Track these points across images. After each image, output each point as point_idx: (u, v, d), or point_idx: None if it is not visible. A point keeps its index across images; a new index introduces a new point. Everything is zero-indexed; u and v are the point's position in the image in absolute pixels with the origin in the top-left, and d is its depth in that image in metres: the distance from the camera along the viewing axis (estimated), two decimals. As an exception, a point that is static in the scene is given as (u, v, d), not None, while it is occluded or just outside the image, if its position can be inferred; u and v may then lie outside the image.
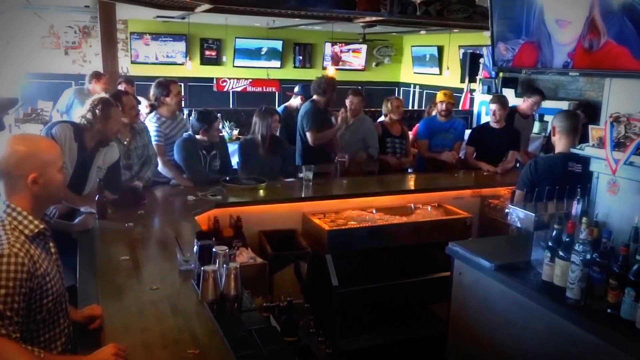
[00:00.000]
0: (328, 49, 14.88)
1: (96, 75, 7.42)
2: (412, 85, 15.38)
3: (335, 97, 6.07)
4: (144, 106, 6.98)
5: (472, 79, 10.97)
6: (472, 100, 11.01)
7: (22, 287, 1.91)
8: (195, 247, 2.88)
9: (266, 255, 4.11)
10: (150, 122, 5.18)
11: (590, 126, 3.10)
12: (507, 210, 3.37)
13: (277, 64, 14.66)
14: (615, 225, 2.87)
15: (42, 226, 2.07)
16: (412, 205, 5.07)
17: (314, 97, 6.00)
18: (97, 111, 3.92)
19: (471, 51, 11.36)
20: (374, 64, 15.85)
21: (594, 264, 2.58)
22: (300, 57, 15.09)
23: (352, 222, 4.60)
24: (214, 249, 2.64)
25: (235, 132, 8.00)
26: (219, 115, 7.65)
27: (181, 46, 13.55)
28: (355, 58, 15.36)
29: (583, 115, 6.27)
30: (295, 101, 6.87)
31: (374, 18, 6.66)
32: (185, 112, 7.46)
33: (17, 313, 1.91)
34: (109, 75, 7.67)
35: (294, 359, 2.34)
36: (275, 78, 14.56)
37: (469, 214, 4.94)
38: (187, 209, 4.26)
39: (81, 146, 3.94)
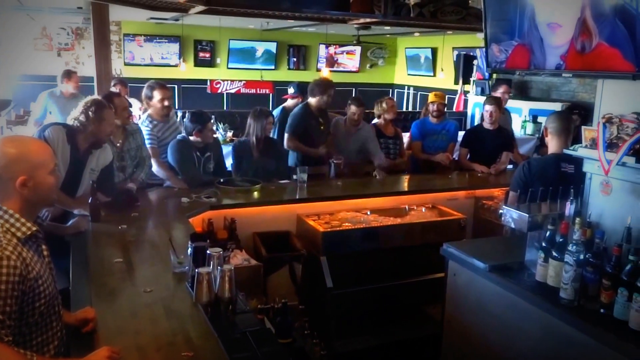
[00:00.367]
0: (322, 50, 14.89)
1: (67, 75, 7.38)
2: (406, 87, 15.41)
3: (332, 99, 5.94)
4: (137, 108, 6.97)
5: (466, 81, 10.99)
6: (466, 101, 11.02)
7: (15, 290, 1.90)
8: (189, 249, 2.88)
9: (261, 257, 4.11)
10: (143, 125, 5.17)
11: (583, 127, 3.11)
12: (501, 211, 3.37)
13: (271, 65, 14.67)
14: (608, 226, 2.88)
15: (34, 228, 2.06)
16: (407, 207, 5.08)
17: (309, 99, 5.96)
18: (90, 113, 3.91)
19: (465, 53, 11.38)
20: (368, 65, 15.87)
21: (587, 265, 2.60)
22: (295, 59, 15.09)
23: (346, 224, 4.60)
24: (208, 251, 2.64)
25: (230, 134, 7.98)
26: (212, 116, 7.68)
27: (175, 48, 13.54)
28: (350, 60, 15.37)
29: (577, 117, 6.32)
30: (292, 102, 6.85)
31: (368, 20, 6.67)
32: (179, 113, 7.43)
33: (10, 316, 1.90)
34: (104, 76, 7.62)
35: (289, 360, 2.34)
36: (269, 80, 14.56)
37: (463, 215, 4.95)
38: (181, 211, 4.25)
39: (74, 148, 3.93)
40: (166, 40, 13.43)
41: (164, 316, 2.51)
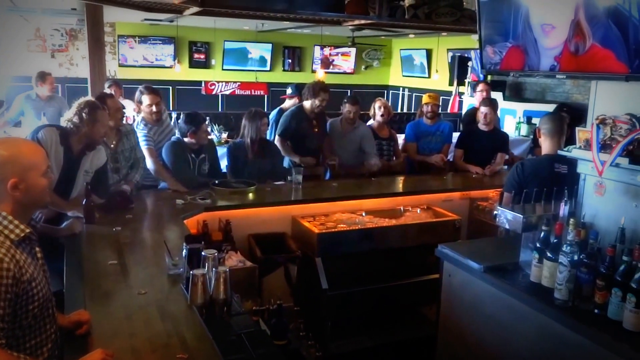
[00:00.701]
0: (317, 52, 14.89)
1: (41, 77, 7.30)
2: (401, 89, 15.43)
3: (327, 103, 5.89)
4: (130, 109, 6.96)
5: (461, 82, 11.02)
6: (460, 103, 11.05)
7: (8, 292, 1.89)
8: (184, 251, 2.88)
9: (256, 258, 4.10)
10: (138, 129, 5.17)
11: (577, 128, 3.13)
12: (495, 212, 3.38)
13: (266, 67, 14.66)
14: (602, 226, 2.89)
15: (27, 230, 2.05)
16: (402, 208, 5.08)
17: (303, 102, 5.94)
18: (83, 115, 3.89)
19: (459, 54, 11.41)
20: (363, 67, 15.88)
21: (582, 265, 2.61)
22: (290, 61, 15.09)
23: (341, 225, 4.60)
24: (203, 253, 2.64)
25: (224, 135, 7.98)
26: (207, 118, 7.68)
27: (169, 49, 13.52)
28: (345, 61, 15.39)
29: (566, 115, 6.34)
30: (289, 103, 6.83)
31: (362, 21, 6.67)
32: (174, 115, 7.43)
33: (3, 319, 1.89)
34: (98, 77, 7.60)
35: (284, 362, 2.34)
36: (264, 81, 14.56)
37: (458, 216, 4.95)
38: (176, 213, 4.24)
39: (67, 150, 3.91)
40: (161, 42, 13.41)
41: (159, 318, 2.51)
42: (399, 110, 14.38)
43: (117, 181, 4.57)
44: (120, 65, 13.10)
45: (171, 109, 11.46)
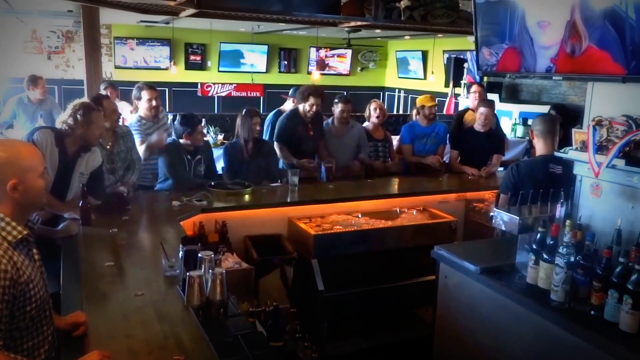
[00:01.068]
0: (313, 53, 14.90)
1: (32, 81, 7.27)
2: (397, 90, 15.44)
3: (319, 107, 5.84)
4: (127, 111, 6.95)
5: (457, 84, 11.03)
6: (456, 104, 11.06)
7: (5, 294, 1.89)
8: (181, 252, 2.87)
9: (252, 260, 4.10)
10: (132, 127, 5.19)
11: (573, 130, 3.14)
12: (491, 214, 3.39)
13: (262, 68, 14.66)
14: (598, 228, 2.90)
15: (25, 232, 2.05)
16: (398, 209, 5.08)
17: (297, 105, 5.88)
18: (78, 116, 3.89)
19: (455, 56, 11.42)
20: (359, 68, 15.90)
21: (578, 267, 2.61)
22: (285, 62, 15.10)
23: (337, 227, 4.60)
24: (199, 254, 2.64)
25: (220, 137, 7.97)
26: (203, 120, 7.67)
27: (165, 51, 13.52)
28: (340, 63, 15.41)
29: (556, 114, 6.37)
30: (288, 104, 6.82)
31: (358, 23, 6.67)
32: (170, 116, 7.42)
33: (0, 320, 1.89)
34: (94, 79, 7.60)
35: (280, 364, 2.34)
36: (260, 83, 14.55)
37: (454, 217, 4.96)
38: (172, 215, 4.24)
39: (62, 152, 3.91)
40: (157, 44, 13.41)
41: (156, 320, 2.50)
42: (394, 112, 14.39)
43: (114, 182, 4.57)
44: (117, 67, 13.08)
45: (167, 110, 11.43)
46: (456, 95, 11.14)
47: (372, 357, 4.46)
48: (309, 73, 14.61)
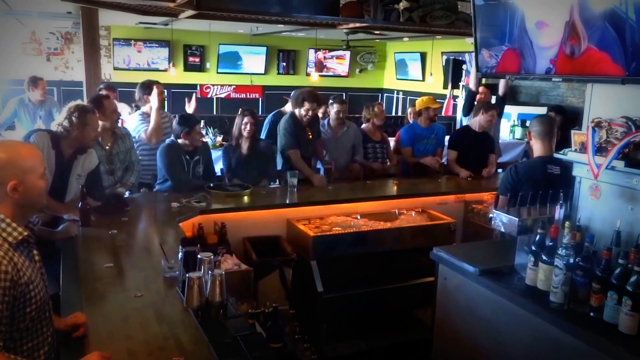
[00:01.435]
0: (312, 55, 14.91)
1: (33, 82, 7.30)
2: (395, 92, 15.44)
3: (317, 109, 5.83)
4: (126, 112, 6.96)
5: (455, 85, 11.03)
6: (455, 106, 11.07)
7: (5, 295, 1.89)
8: (180, 253, 2.87)
9: (251, 261, 4.10)
10: (133, 121, 5.35)
11: (572, 131, 3.14)
12: (490, 215, 3.39)
13: (261, 70, 14.65)
14: (597, 229, 2.90)
15: (25, 233, 2.05)
16: (397, 211, 5.09)
17: (294, 110, 5.78)
18: (73, 118, 3.89)
19: (454, 57, 11.43)
20: (357, 70, 15.90)
21: (577, 268, 2.61)
22: (284, 64, 15.09)
23: (336, 228, 4.60)
24: (198, 256, 2.63)
25: (219, 138, 7.97)
26: (202, 121, 7.67)
27: (164, 52, 13.51)
28: (339, 64, 15.41)
29: (557, 117, 6.40)
30: (289, 106, 6.79)
31: (357, 24, 6.68)
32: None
33: (0, 322, 1.89)
34: (93, 80, 7.60)
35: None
36: (258, 84, 14.56)
37: (453, 219, 4.96)
38: (171, 216, 4.24)
39: (59, 154, 3.91)
40: (156, 45, 13.40)
41: (155, 321, 2.50)
42: (393, 114, 14.39)
43: (113, 183, 4.58)
44: (116, 69, 13.08)
45: (166, 111, 11.42)
46: (454, 97, 11.15)
47: (371, 358, 4.46)
48: (308, 74, 14.61)
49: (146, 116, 5.44)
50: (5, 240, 1.98)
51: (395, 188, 5.75)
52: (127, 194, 4.72)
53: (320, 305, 4.28)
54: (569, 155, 3.08)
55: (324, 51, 15.00)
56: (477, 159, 6.07)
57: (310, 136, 5.76)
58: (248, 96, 14.36)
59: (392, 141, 6.71)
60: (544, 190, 3.32)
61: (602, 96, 3.16)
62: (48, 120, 6.76)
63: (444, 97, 11.45)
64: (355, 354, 4.42)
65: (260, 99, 14.43)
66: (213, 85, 13.97)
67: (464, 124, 6.96)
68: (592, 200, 2.99)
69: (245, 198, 4.86)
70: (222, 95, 14.06)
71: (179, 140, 4.95)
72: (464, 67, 10.91)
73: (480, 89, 7.35)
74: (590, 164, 2.82)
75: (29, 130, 4.70)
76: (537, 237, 2.86)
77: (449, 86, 11.32)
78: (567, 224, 2.71)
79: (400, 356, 4.48)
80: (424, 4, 6.39)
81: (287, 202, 4.93)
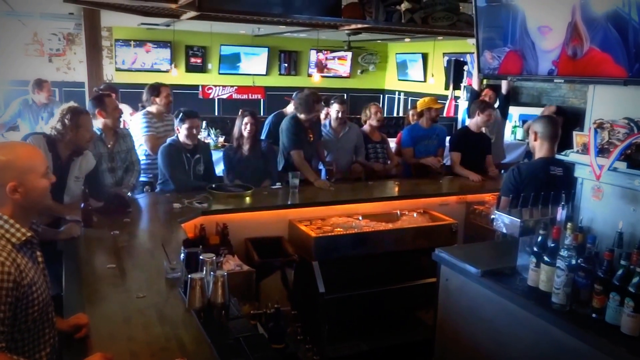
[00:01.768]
0: (313, 56, 14.92)
1: (37, 85, 7.33)
2: (397, 93, 15.45)
3: (318, 114, 5.86)
4: (127, 114, 6.96)
5: (457, 86, 11.04)
6: (456, 107, 11.08)
7: (9, 296, 1.89)
8: (182, 254, 2.87)
9: (253, 262, 4.10)
10: (138, 119, 5.42)
11: (574, 132, 3.13)
12: (492, 216, 3.39)
13: (263, 71, 14.66)
14: (599, 231, 2.90)
15: (29, 234, 2.05)
16: (398, 212, 5.08)
17: (297, 114, 5.73)
18: (66, 121, 3.89)
19: (455, 58, 11.43)
20: (359, 71, 15.91)
21: (579, 269, 2.61)
22: (286, 65, 15.10)
23: (338, 229, 4.60)
24: (200, 257, 2.64)
25: (221, 139, 7.97)
26: (204, 122, 7.69)
27: (166, 53, 13.52)
28: (341, 65, 15.41)
29: (558, 118, 6.40)
30: (290, 107, 6.79)
31: (359, 25, 6.68)
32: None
33: (3, 322, 1.89)
34: (95, 81, 7.61)
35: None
36: (260, 85, 14.56)
37: (455, 220, 4.95)
38: (173, 217, 4.24)
39: (56, 157, 3.90)
40: (157, 46, 13.41)
41: (157, 322, 2.50)
42: (394, 115, 14.40)
43: (114, 181, 4.61)
44: (117, 70, 13.09)
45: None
46: (456, 98, 11.16)
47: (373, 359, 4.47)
48: (309, 75, 14.63)
49: (150, 116, 5.50)
50: (8, 241, 1.98)
51: (396, 189, 5.74)
52: (128, 194, 4.72)
53: (322, 306, 4.28)
54: (570, 156, 3.08)
55: (325, 52, 15.01)
56: (476, 160, 6.07)
57: (312, 138, 5.76)
58: (250, 97, 14.37)
59: (393, 142, 6.70)
60: (547, 191, 3.32)
61: (604, 97, 3.16)
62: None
63: (445, 98, 11.45)
64: (357, 354, 4.42)
65: (262, 100, 14.44)
66: (215, 86, 13.98)
67: None
68: (594, 202, 2.99)
69: (247, 199, 4.86)
70: (224, 96, 14.07)
71: (178, 134, 4.96)
72: (465, 68, 10.92)
73: (485, 90, 7.34)
74: (592, 165, 2.82)
75: (32, 131, 4.72)
76: (539, 238, 2.86)
77: (451, 87, 11.33)
78: (569, 225, 2.71)
79: (401, 357, 4.48)
80: (426, 5, 6.40)
81: (289, 203, 4.93)
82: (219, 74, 14.18)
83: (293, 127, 5.61)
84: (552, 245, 2.77)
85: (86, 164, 4.14)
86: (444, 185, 5.89)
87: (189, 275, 2.53)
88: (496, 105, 7.29)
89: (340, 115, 5.98)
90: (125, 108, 7.04)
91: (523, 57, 3.37)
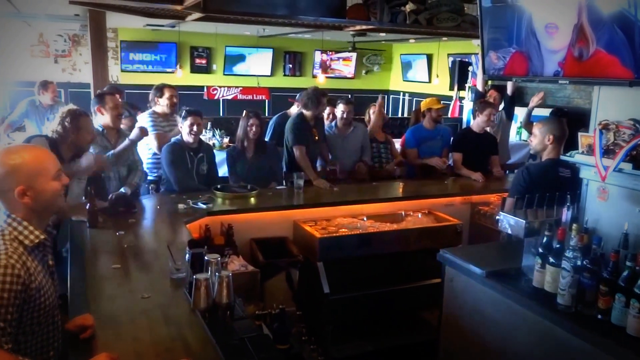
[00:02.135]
0: (318, 57, 14.92)
1: (43, 86, 7.40)
2: (401, 93, 15.44)
3: (324, 109, 5.94)
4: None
5: (461, 87, 11.03)
6: (461, 108, 11.06)
7: (17, 298, 1.90)
8: (187, 255, 2.88)
9: (257, 263, 4.11)
10: (144, 118, 5.48)
11: (579, 133, 3.13)
12: (497, 217, 3.39)
13: (267, 72, 14.67)
14: (605, 232, 2.89)
15: (42, 237, 2.06)
16: (403, 213, 5.08)
17: (303, 111, 5.78)
18: (66, 124, 3.93)
19: (460, 59, 11.42)
20: (363, 72, 15.90)
21: (585, 270, 2.60)
22: (290, 66, 15.10)
23: (343, 230, 4.60)
24: (205, 257, 2.64)
25: (226, 139, 7.99)
26: (209, 123, 7.70)
27: (171, 54, 13.53)
28: (345, 66, 15.41)
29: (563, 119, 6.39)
30: (294, 108, 6.80)
31: (364, 27, 6.69)
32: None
33: (10, 324, 1.90)
34: (100, 82, 7.63)
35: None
36: (265, 86, 14.58)
37: (459, 220, 4.95)
38: (178, 217, 4.24)
39: (59, 158, 3.91)
40: (163, 47, 13.43)
41: (162, 322, 2.51)
42: (399, 115, 14.39)
43: (116, 179, 4.64)
44: (123, 71, 13.12)
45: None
46: (460, 99, 11.14)
47: (378, 360, 4.47)
48: (314, 76, 14.63)
49: (156, 115, 5.54)
50: (21, 244, 1.99)
51: (401, 190, 5.74)
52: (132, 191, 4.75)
53: (326, 307, 4.27)
54: (576, 157, 3.08)
55: (330, 53, 15.01)
56: (479, 160, 6.05)
57: (317, 137, 5.77)
58: (254, 98, 14.39)
59: (398, 144, 6.69)
60: (555, 193, 3.32)
61: (610, 98, 3.16)
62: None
63: (450, 98, 11.44)
64: (362, 355, 4.42)
65: (266, 100, 14.45)
66: (220, 86, 14.00)
67: None
68: (599, 203, 2.98)
69: (252, 199, 4.86)
70: (229, 97, 14.09)
71: (182, 133, 5.00)
72: (470, 68, 10.90)
73: (489, 91, 7.32)
74: (597, 166, 2.81)
75: (38, 131, 4.75)
76: (545, 239, 2.85)
77: (455, 88, 11.32)
78: (574, 226, 2.70)
79: (406, 357, 4.47)
80: (430, 6, 6.40)
81: (294, 203, 4.93)
82: (224, 74, 14.20)
83: (298, 124, 5.65)
84: (558, 246, 2.77)
85: (88, 164, 4.17)
86: (448, 186, 5.87)
87: (194, 276, 2.54)
88: (501, 106, 7.28)
89: (345, 115, 5.97)
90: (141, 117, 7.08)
91: (529, 58, 3.37)
